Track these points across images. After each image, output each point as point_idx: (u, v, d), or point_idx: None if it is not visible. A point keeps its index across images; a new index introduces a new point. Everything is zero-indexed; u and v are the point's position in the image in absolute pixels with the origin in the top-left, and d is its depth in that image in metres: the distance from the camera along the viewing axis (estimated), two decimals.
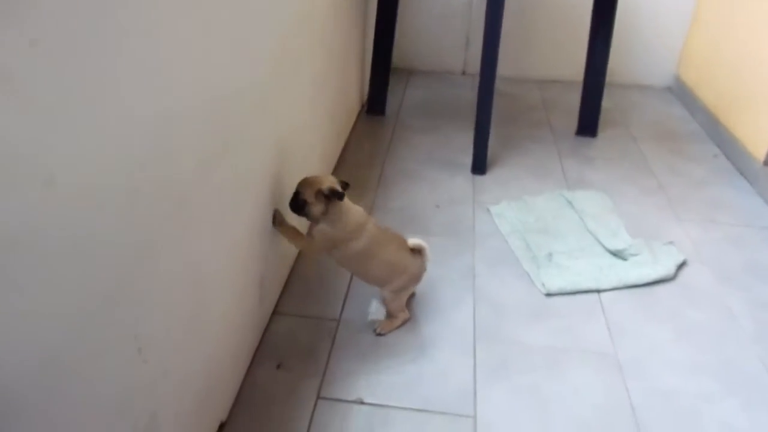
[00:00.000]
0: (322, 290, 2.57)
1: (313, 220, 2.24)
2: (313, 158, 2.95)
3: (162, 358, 1.41)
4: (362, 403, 2.10)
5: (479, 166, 3.59)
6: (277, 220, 2.28)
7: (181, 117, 1.35)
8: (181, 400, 1.58)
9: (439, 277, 2.70)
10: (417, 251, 2.33)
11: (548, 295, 2.64)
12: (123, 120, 1.04)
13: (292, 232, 2.27)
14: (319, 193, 2.15)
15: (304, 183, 2.20)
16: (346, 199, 2.21)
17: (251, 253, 2.07)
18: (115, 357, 1.20)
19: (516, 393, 2.16)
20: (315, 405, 2.08)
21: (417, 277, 2.37)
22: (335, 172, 3.49)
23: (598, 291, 2.67)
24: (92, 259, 1.02)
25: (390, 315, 2.41)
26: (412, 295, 2.54)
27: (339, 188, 2.16)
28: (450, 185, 3.47)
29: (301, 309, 2.50)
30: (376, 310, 2.52)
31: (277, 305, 2.50)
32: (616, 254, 2.86)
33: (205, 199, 1.57)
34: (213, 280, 1.71)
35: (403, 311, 2.41)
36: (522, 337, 2.42)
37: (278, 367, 2.22)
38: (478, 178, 3.56)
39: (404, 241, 2.33)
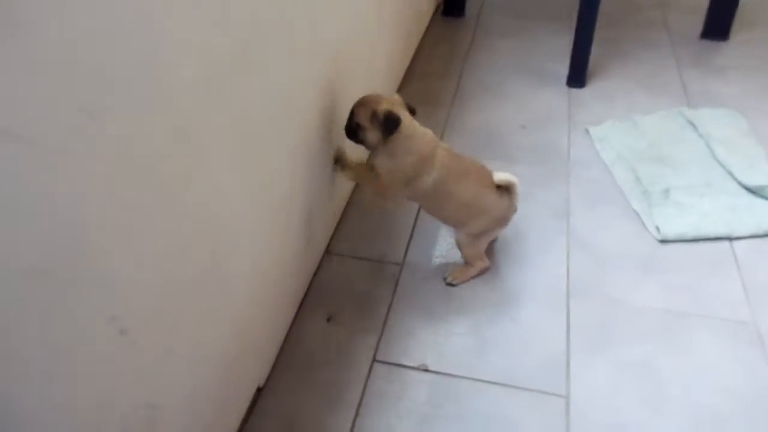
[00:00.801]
0: (383, 227, 2.16)
1: (370, 149, 1.80)
2: (377, 69, 2.45)
3: (157, 337, 1.06)
4: (426, 370, 1.72)
5: (577, 76, 2.97)
6: (339, 160, 1.88)
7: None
8: (197, 376, 1.25)
9: (525, 216, 2.22)
10: (504, 188, 1.85)
11: (663, 241, 2.11)
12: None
13: (359, 173, 1.87)
14: (375, 117, 1.70)
15: (361, 103, 1.75)
16: (408, 124, 1.75)
17: (294, 185, 1.67)
18: (86, 344, 0.86)
19: (620, 369, 1.72)
20: (370, 369, 1.73)
21: (502, 221, 1.91)
22: (404, 84, 2.98)
23: (730, 239, 2.12)
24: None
25: (465, 262, 1.98)
26: (494, 240, 2.08)
27: (396, 113, 1.71)
28: (540, 101, 2.89)
29: (357, 249, 2.12)
30: (445, 252, 2.09)
31: (329, 245, 2.12)
32: (755, 191, 2.25)
33: (217, 120, 1.15)
34: (236, 223, 1.33)
35: (482, 259, 1.98)
36: (629, 296, 1.93)
37: (329, 320, 1.87)
38: (575, 92, 2.95)
39: (487, 174, 1.85)
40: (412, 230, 2.19)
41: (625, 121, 2.69)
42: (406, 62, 3.08)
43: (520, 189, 1.86)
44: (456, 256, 2.07)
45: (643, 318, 1.86)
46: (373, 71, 2.40)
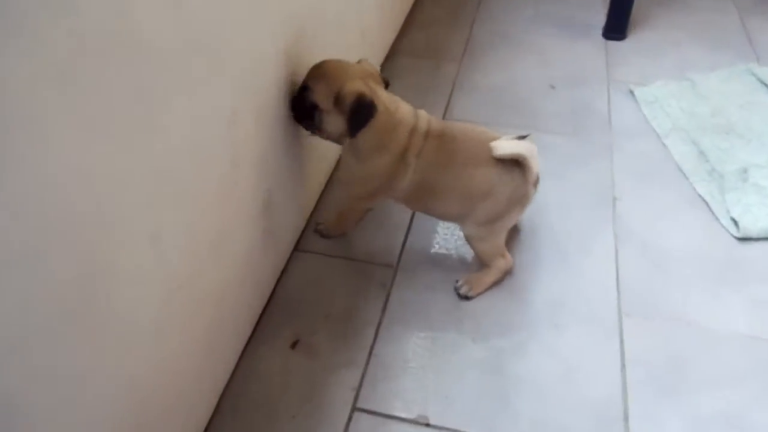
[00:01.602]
0: (372, 216, 1.64)
1: (330, 138, 1.35)
2: (365, 14, 1.90)
3: None
4: (428, 425, 1.23)
5: (617, 26, 2.42)
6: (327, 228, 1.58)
7: None
8: None
9: (558, 201, 1.70)
10: (511, 161, 1.33)
11: (744, 239, 1.60)
12: None
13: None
14: (339, 100, 1.24)
15: (321, 74, 1.28)
16: (385, 109, 1.29)
17: (238, 159, 1.15)
18: None
19: (699, 425, 1.22)
20: (349, 420, 1.24)
21: (518, 200, 1.39)
22: (402, 34, 2.43)
23: None
24: None
25: (481, 262, 1.48)
26: (516, 231, 1.57)
27: (370, 96, 1.25)
28: (571, 55, 2.34)
29: (337, 246, 1.60)
30: (454, 248, 1.58)
31: (299, 240, 1.61)
32: None
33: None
34: (127, 209, 0.81)
35: (503, 255, 1.46)
36: (703, 316, 1.43)
37: (294, 345, 1.37)
38: (614, 45, 2.40)
39: (482, 146, 1.34)
40: (410, 220, 1.68)
41: (680, 81, 2.15)
42: (405, 8, 2.51)
43: (534, 159, 1.34)
44: (468, 253, 1.56)
45: (726, 348, 1.36)
46: (356, 21, 1.85)
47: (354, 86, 1.24)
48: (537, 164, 1.35)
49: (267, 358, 1.35)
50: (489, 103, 2.09)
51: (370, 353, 1.36)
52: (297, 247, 1.59)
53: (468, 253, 1.57)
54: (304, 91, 1.28)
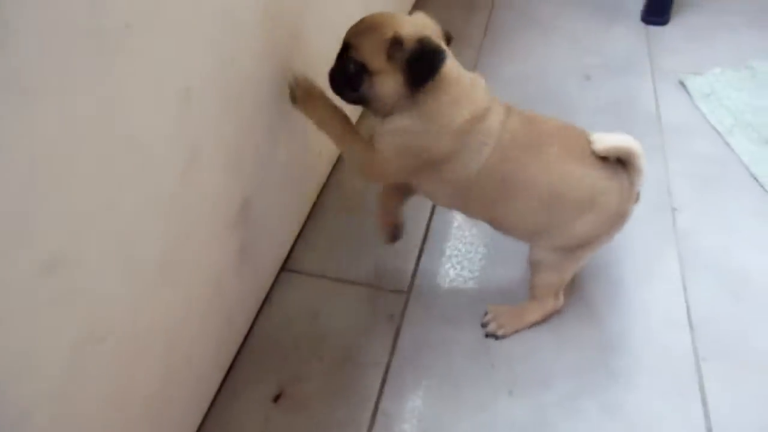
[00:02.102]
0: (376, 229, 1.33)
1: (380, 110, 1.00)
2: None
3: None
4: None
5: (658, 9, 2.12)
6: (300, 89, 1.03)
7: None
8: None
9: None
10: (614, 161, 1.02)
11: None
12: None
13: (333, 118, 1.04)
14: (395, 48, 0.93)
15: (366, 27, 0.97)
16: (452, 64, 0.97)
17: (198, 156, 0.85)
18: None
19: None
20: None
21: (616, 220, 1.06)
22: (413, 11, 2.11)
23: None
24: None
25: (531, 295, 1.16)
26: None
27: (435, 40, 0.96)
28: (607, 41, 2.04)
29: (333, 266, 1.30)
30: (479, 270, 1.28)
31: (287, 258, 1.30)
32: None
33: None
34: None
35: (555, 297, 1.15)
36: None
37: (277, 399, 1.06)
38: (656, 30, 2.10)
39: (580, 138, 1.03)
40: (426, 231, 1.37)
41: (739, 70, 1.84)
42: None
43: (642, 154, 1.01)
44: (499, 278, 1.25)
45: None
46: None
47: (412, 30, 0.94)
48: (645, 166, 1.02)
49: (242, 417, 1.03)
50: (514, 94, 1.74)
51: (376, 409, 1.05)
52: (284, 267, 1.28)
53: (499, 277, 1.26)
54: (345, 52, 0.97)
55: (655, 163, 1.55)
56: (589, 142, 1.01)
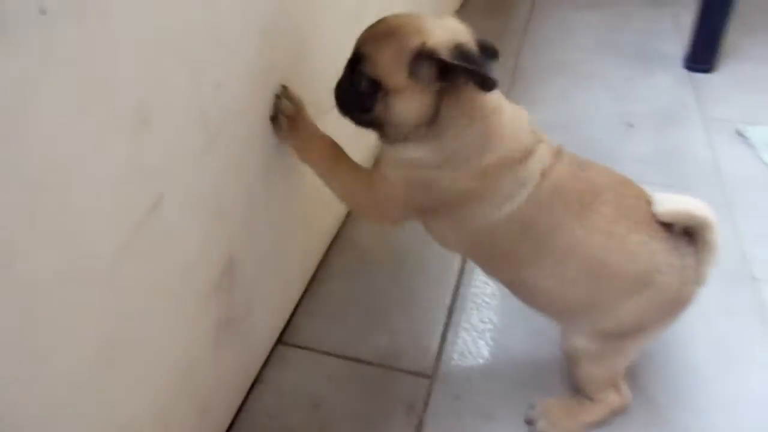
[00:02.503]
0: (394, 292, 1.10)
1: (393, 137, 0.79)
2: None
3: None
4: None
5: (703, 56, 1.95)
6: (286, 114, 0.84)
7: None
8: None
9: None
10: (680, 230, 0.80)
11: None
12: None
13: (323, 149, 0.85)
14: (421, 60, 0.73)
15: (379, 34, 0.77)
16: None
17: (166, 203, 0.64)
18: None
19: None
20: None
21: (677, 303, 0.83)
22: None
23: None
24: None
25: (581, 392, 0.91)
26: None
27: (473, 49, 0.75)
28: (648, 88, 1.86)
29: (340, 340, 1.06)
30: (529, 350, 1.03)
31: (284, 330, 1.07)
32: None
33: None
34: None
35: (616, 390, 0.91)
36: None
37: None
38: (701, 77, 1.91)
39: (639, 199, 0.82)
40: (453, 299, 1.13)
41: None
42: None
43: (715, 225, 0.80)
44: (546, 359, 1.01)
45: None
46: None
47: (444, 38, 0.74)
48: (720, 243, 0.81)
49: None
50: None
51: None
52: (281, 339, 1.05)
53: (545, 358, 1.01)
54: (355, 64, 0.77)
55: (723, 224, 1.31)
56: (649, 204, 0.80)
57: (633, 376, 0.98)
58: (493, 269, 0.90)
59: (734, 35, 2.05)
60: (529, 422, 0.92)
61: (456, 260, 1.21)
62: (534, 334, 1.06)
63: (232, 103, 0.74)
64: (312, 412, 0.94)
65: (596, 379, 0.88)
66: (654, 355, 1.03)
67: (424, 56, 0.72)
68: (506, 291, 1.00)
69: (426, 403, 0.95)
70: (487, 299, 1.14)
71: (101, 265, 0.56)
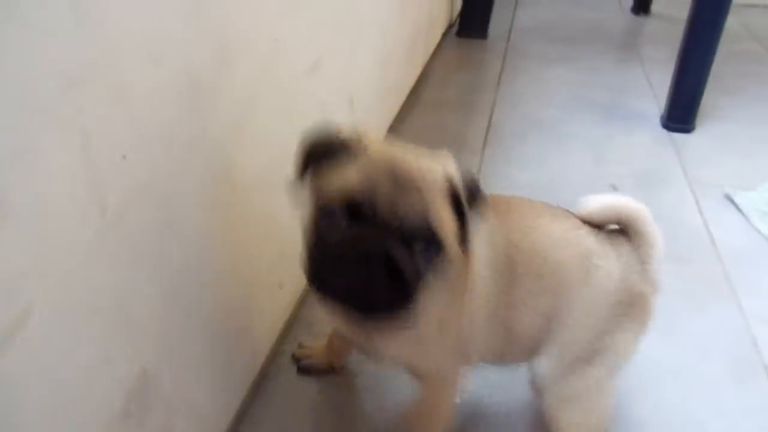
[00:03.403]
0: (357, 387, 0.92)
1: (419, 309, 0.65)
2: (366, 94, 1.30)
3: None
4: None
5: (681, 116, 1.89)
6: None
7: None
8: None
9: (676, 376, 1.01)
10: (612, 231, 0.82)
11: None
12: None
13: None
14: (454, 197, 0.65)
15: (406, 185, 0.60)
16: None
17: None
18: None
19: None
20: None
21: (627, 306, 0.77)
22: (404, 114, 1.83)
23: None
24: None
25: None
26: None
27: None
28: (628, 148, 1.78)
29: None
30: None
31: (244, 414, 0.86)
32: None
33: None
34: None
35: None
36: None
37: None
38: (681, 138, 1.84)
39: (560, 215, 0.83)
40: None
41: None
42: (407, 87, 1.93)
43: (648, 218, 0.81)
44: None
45: None
46: (360, 101, 1.25)
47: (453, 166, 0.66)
48: (658, 236, 0.79)
49: None
50: None
51: None
52: (239, 418, 0.84)
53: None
54: (384, 237, 0.59)
55: (725, 301, 1.19)
56: (566, 214, 0.81)
57: None
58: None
59: (712, 96, 1.99)
60: None
61: None
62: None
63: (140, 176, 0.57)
64: None
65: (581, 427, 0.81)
66: None
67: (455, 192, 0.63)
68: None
69: None
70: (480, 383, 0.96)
71: None
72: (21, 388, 0.47)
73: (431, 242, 0.60)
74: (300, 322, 1.07)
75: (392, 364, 0.77)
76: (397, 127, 1.75)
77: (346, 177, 0.60)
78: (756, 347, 1.08)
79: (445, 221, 0.60)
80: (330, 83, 1.11)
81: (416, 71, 2.05)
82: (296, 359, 0.98)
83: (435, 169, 0.62)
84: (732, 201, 1.49)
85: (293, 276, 1.03)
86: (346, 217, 0.58)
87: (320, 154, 0.62)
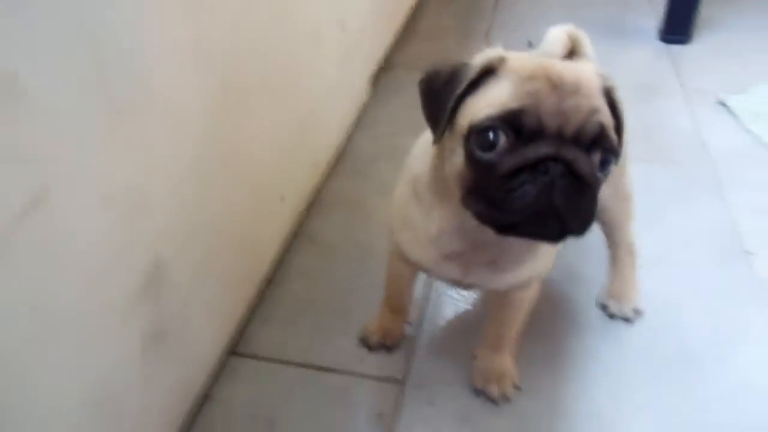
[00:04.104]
0: (358, 295, 1.00)
1: None
2: (357, 19, 1.33)
3: None
4: None
5: (679, 27, 1.88)
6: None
7: None
8: None
9: (663, 259, 1.07)
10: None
11: None
12: None
13: None
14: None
15: (572, 88, 0.54)
16: None
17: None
18: None
19: None
20: None
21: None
22: (402, 42, 1.86)
23: None
24: None
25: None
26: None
27: None
28: (626, 63, 1.79)
29: (300, 346, 0.95)
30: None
31: (236, 337, 0.95)
32: None
33: None
34: None
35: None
36: None
37: None
38: (678, 49, 1.84)
39: None
40: (426, 290, 1.03)
41: None
42: (400, 19, 1.95)
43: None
44: (531, 349, 0.91)
45: None
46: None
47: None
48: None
49: None
50: None
51: None
52: (232, 349, 0.94)
53: (531, 348, 0.91)
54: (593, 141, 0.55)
55: (711, 196, 1.23)
56: None
57: (628, 368, 0.89)
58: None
59: (708, 6, 1.97)
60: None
61: None
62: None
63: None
64: (267, 430, 0.83)
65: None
66: (647, 343, 0.93)
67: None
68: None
69: (397, 411, 0.85)
70: (463, 292, 1.04)
71: None
72: (44, 268, 0.54)
73: (607, 150, 0.55)
74: (302, 236, 1.15)
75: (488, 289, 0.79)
76: (394, 57, 1.78)
77: (499, 95, 0.54)
78: (738, 234, 1.13)
79: (611, 126, 0.56)
80: (318, 4, 1.14)
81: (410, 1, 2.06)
82: (365, 341, 0.92)
83: (590, 71, 0.58)
84: (725, 105, 1.52)
85: (294, 189, 1.10)
86: (511, 137, 0.53)
87: (454, 87, 0.57)
